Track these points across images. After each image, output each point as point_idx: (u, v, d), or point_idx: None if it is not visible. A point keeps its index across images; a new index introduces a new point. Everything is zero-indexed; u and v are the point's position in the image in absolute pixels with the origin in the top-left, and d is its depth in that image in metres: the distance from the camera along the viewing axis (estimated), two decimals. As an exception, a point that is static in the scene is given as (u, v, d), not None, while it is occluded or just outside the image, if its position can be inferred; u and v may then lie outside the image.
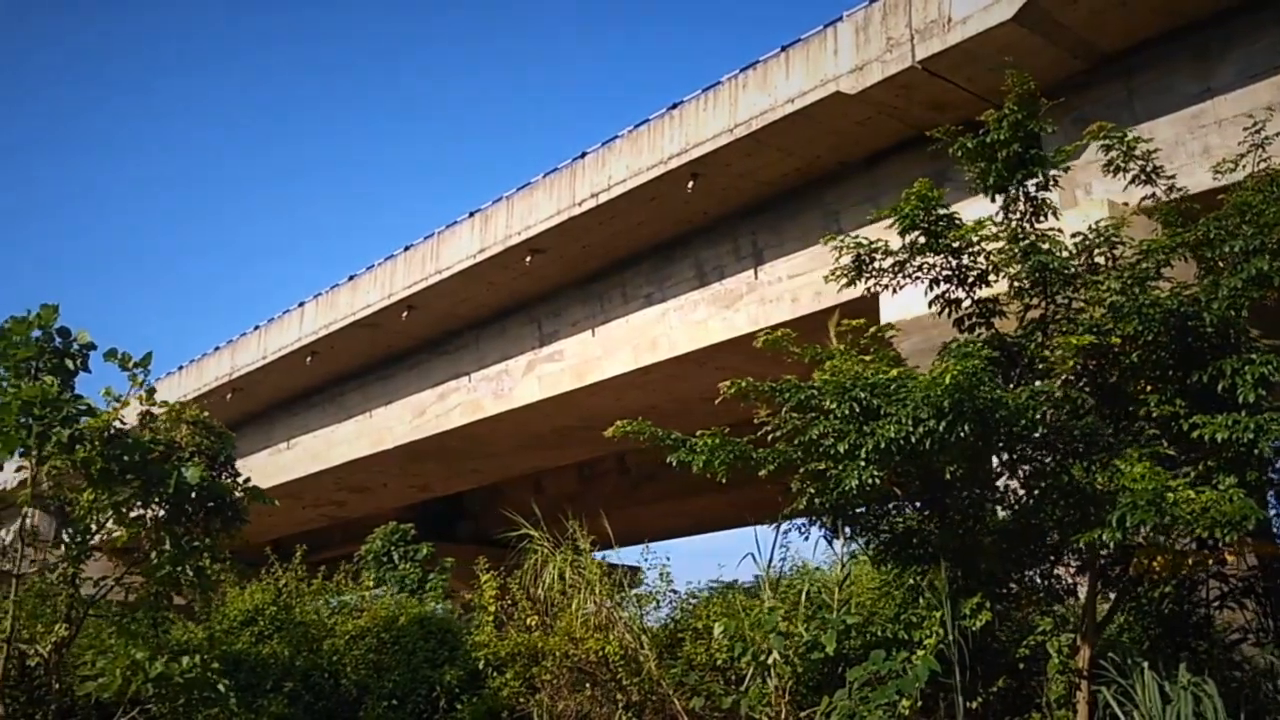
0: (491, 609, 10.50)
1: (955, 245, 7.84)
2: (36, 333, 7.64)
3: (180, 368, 32.44)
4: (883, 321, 16.53)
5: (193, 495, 7.79)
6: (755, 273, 19.82)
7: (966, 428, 6.79)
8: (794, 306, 19.02)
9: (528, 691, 9.81)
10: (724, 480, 8.36)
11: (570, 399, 23.99)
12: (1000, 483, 8.31)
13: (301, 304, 27.64)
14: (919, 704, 7.95)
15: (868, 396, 7.25)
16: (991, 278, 8.07)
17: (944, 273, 8.14)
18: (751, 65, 17.60)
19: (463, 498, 38.00)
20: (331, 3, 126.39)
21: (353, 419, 29.27)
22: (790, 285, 19.17)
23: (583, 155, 20.45)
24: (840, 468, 7.52)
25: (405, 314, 24.79)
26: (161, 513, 7.60)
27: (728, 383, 8.11)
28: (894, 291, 8.45)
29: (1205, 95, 14.46)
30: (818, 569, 9.99)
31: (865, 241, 8.30)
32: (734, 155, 18.06)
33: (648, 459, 34.93)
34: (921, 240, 7.92)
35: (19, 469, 8.66)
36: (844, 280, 8.52)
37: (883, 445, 7.07)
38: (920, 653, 7.98)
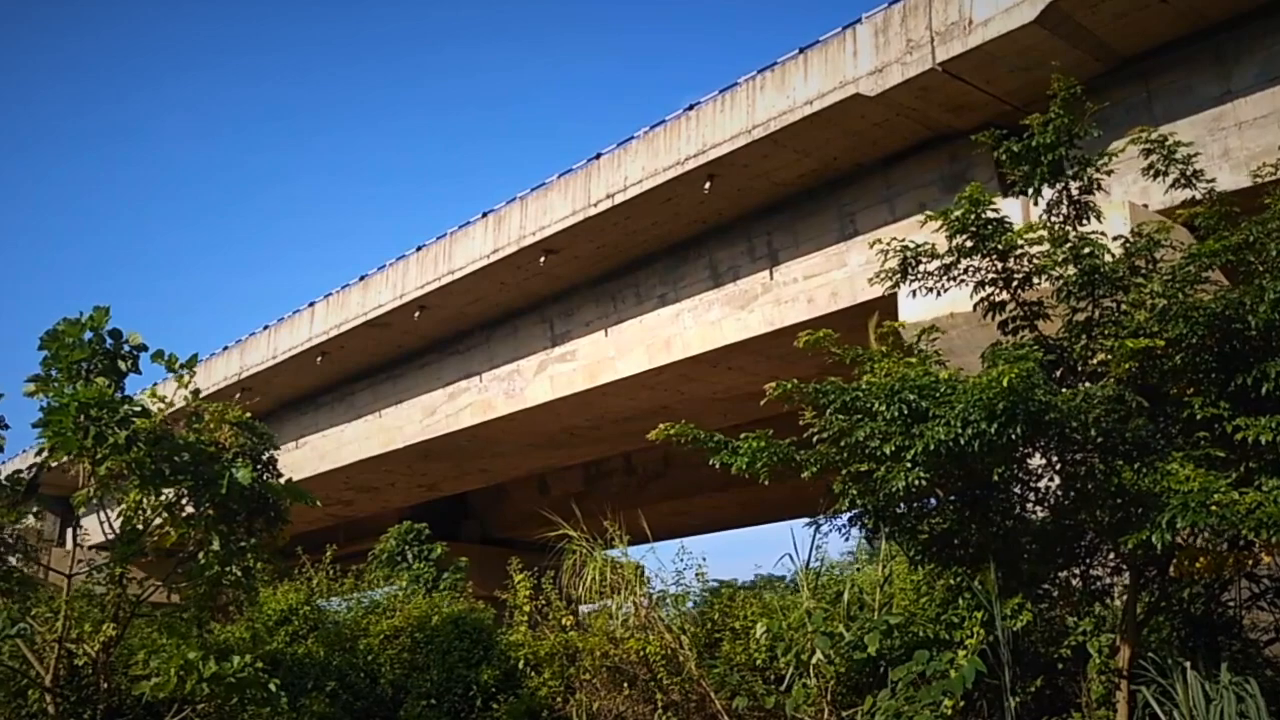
0: (527, 609, 10.55)
1: (1002, 248, 7.89)
2: (88, 335, 7.69)
3: (188, 367, 32.34)
4: (900, 320, 16.72)
5: (242, 496, 7.83)
6: (770, 273, 19.88)
7: (1019, 429, 6.85)
8: (810, 307, 19.09)
9: (564, 691, 9.86)
10: (766, 481, 8.40)
11: (582, 399, 24.04)
12: (1042, 484, 8.37)
13: (312, 304, 27.65)
14: (961, 703, 8.02)
15: (916, 399, 7.30)
16: (1035, 280, 8.12)
17: (989, 275, 8.19)
18: (769, 67, 17.65)
19: (467, 497, 38.03)
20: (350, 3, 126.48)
21: (362, 418, 29.30)
22: (806, 286, 19.24)
23: (598, 156, 20.49)
24: (886, 469, 7.57)
25: (417, 314, 24.81)
26: (211, 513, 7.64)
27: (773, 384, 8.15)
28: (938, 294, 8.49)
29: (1225, 98, 14.55)
30: (854, 568, 10.03)
31: (912, 244, 8.34)
32: (751, 156, 18.11)
33: (654, 458, 35.09)
34: (969, 244, 7.97)
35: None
36: (889, 282, 8.56)
37: (931, 447, 7.12)
38: (961, 653, 8.05)
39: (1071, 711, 8.51)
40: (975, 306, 8.43)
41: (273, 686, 7.61)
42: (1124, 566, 8.56)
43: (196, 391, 8.49)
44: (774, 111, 17.35)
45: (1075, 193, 8.20)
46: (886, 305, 17.93)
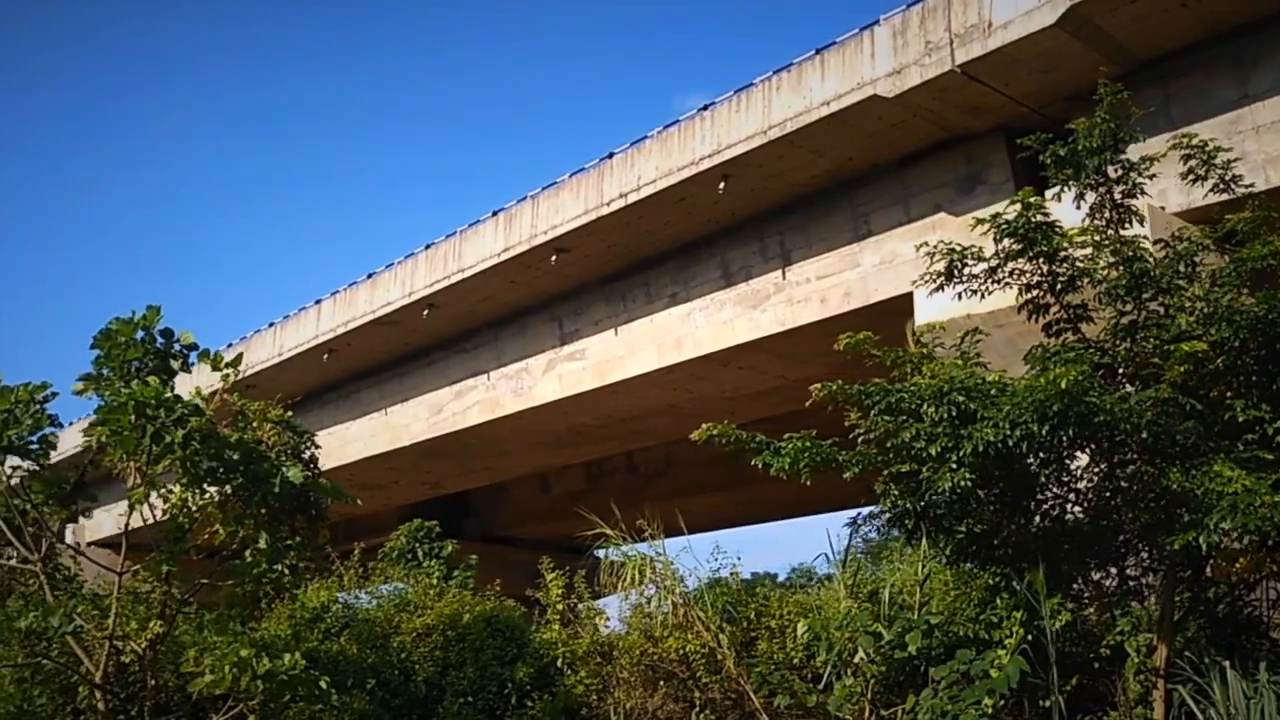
0: (560, 607, 10.61)
1: (1049, 251, 7.96)
2: (139, 334, 7.72)
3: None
4: (918, 322, 16.81)
5: (290, 494, 7.86)
6: (783, 273, 19.95)
7: (1070, 431, 6.93)
8: (823, 307, 19.17)
9: (599, 689, 9.92)
10: (808, 482, 8.46)
11: (591, 397, 24.10)
12: (1081, 484, 8.44)
13: (318, 301, 27.63)
14: (1001, 702, 8.10)
15: (965, 400, 7.37)
16: (1079, 283, 8.20)
17: (1034, 278, 8.27)
18: (785, 68, 17.72)
19: (469, 495, 38.02)
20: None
21: (368, 416, 29.29)
22: (819, 286, 19.31)
23: (610, 156, 20.54)
24: (932, 470, 7.64)
25: (426, 312, 24.82)
26: (264, 511, 7.66)
27: (818, 385, 8.21)
28: (982, 296, 8.55)
29: (1243, 101, 14.66)
30: (891, 568, 10.07)
31: (958, 248, 8.41)
32: (766, 157, 18.18)
33: (657, 457, 35.16)
34: (1017, 247, 8.05)
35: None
36: (933, 285, 8.62)
37: (980, 448, 7.19)
38: (1000, 652, 8.12)
39: (1108, 710, 8.58)
40: (1020, 309, 8.49)
41: (323, 684, 7.66)
42: (1158, 567, 8.65)
43: (242, 390, 8.52)
44: (790, 112, 17.42)
45: (1118, 196, 8.27)
46: (900, 305, 18.04)
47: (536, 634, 10.62)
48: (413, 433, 27.89)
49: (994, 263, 8.21)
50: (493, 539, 38.12)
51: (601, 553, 10.94)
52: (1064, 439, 7.03)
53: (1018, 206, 7.99)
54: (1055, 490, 8.47)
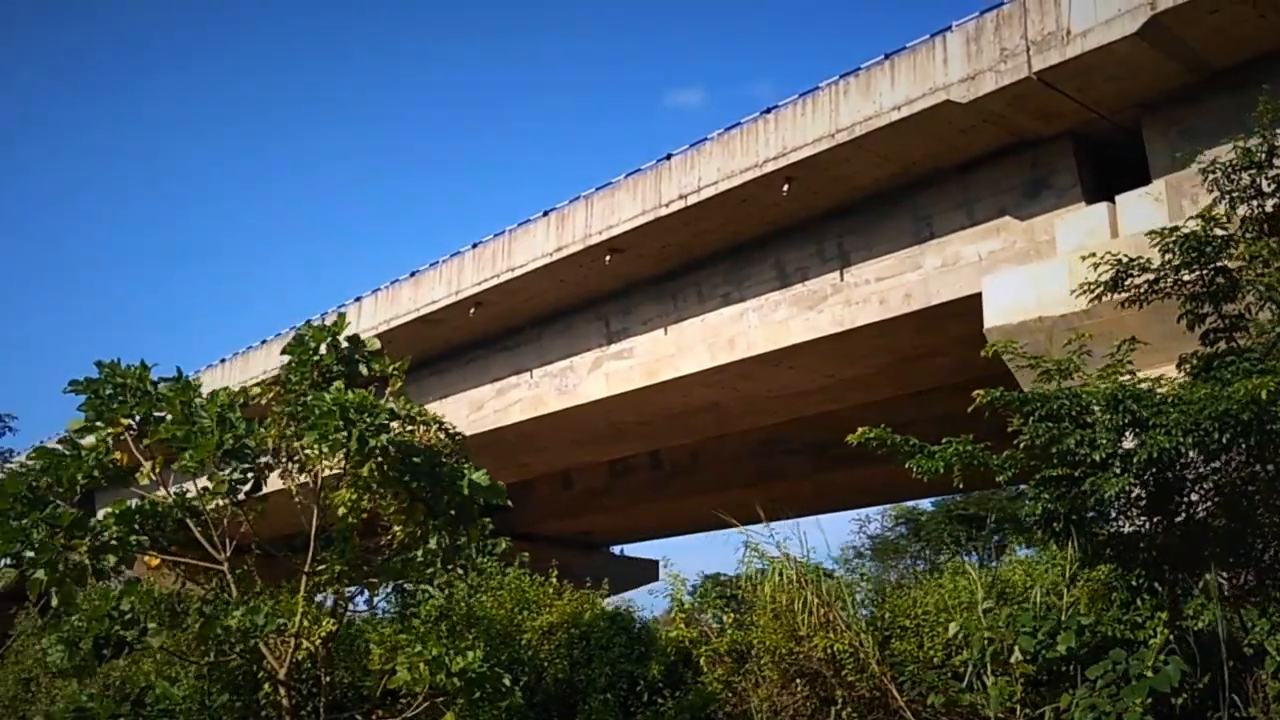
0: (686, 606, 10.81)
1: (1218, 264, 8.21)
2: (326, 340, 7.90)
3: (223, 360, 32.39)
4: (986, 325, 17.07)
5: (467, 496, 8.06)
6: (841, 274, 20.19)
7: (1252, 439, 7.17)
8: (882, 309, 19.41)
9: (731, 688, 10.13)
10: (960, 485, 8.71)
11: (638, 396, 24.29)
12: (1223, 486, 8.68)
13: (358, 299, 27.73)
14: (1149, 701, 8.35)
15: (1137, 407, 7.61)
16: (1239, 293, 8.43)
17: (1195, 288, 8.51)
18: (853, 72, 17.94)
19: (494, 492, 38.09)
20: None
21: (405, 413, 29.35)
22: (878, 287, 19.55)
23: (668, 157, 20.74)
24: (1097, 476, 7.88)
25: (473, 310, 24.97)
26: (453, 512, 7.84)
27: (980, 392, 8.43)
28: (1141, 306, 8.78)
29: (1318, 110, 14.93)
30: (1008, 568, 10.32)
31: (1124, 258, 8.64)
32: (831, 160, 18.42)
33: (683, 454, 35.38)
34: (1186, 258, 8.28)
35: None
36: (1095, 292, 8.85)
37: (1155, 454, 7.43)
38: (1146, 651, 8.37)
39: (1246, 709, 8.84)
40: (1180, 319, 8.69)
41: (506, 681, 7.86)
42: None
43: (405, 395, 8.70)
44: (859, 116, 17.64)
45: (1269, 208, 8.52)
46: (961, 307, 18.31)
47: (665, 632, 10.82)
48: (451, 430, 27.96)
49: (1161, 273, 8.43)
50: (515, 535, 38.25)
51: (741, 542, 11.07)
52: (1242, 446, 7.27)
53: (1195, 222, 8.22)
54: (1198, 493, 8.72)
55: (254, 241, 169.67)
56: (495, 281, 24.01)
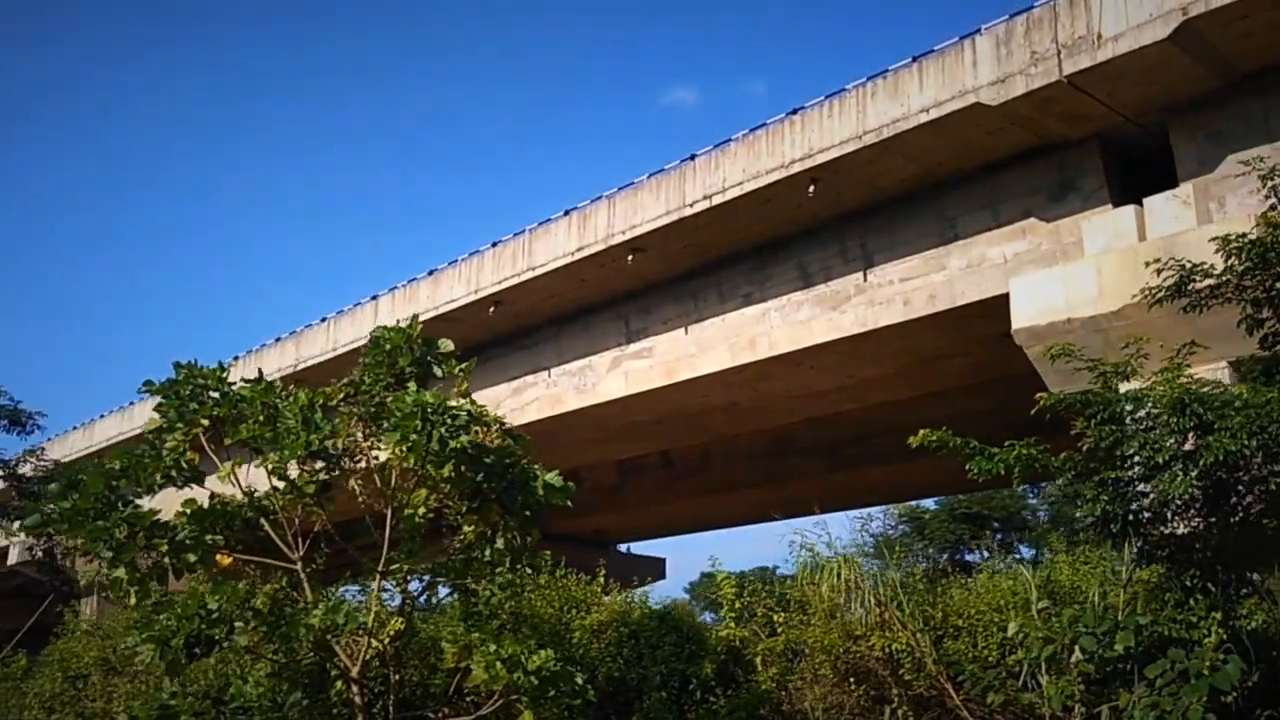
0: (738, 605, 10.91)
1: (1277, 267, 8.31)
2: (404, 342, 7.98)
3: (236, 358, 32.39)
4: (1014, 326, 17.18)
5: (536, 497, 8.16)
6: (864, 275, 20.29)
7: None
8: (906, 309, 19.52)
9: (783, 686, 10.23)
10: (1018, 487, 8.82)
11: (657, 395, 24.36)
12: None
13: (375, 297, 27.79)
14: (1205, 699, 8.47)
15: (1203, 410, 7.72)
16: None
17: (1257, 294, 8.61)
18: (880, 74, 18.04)
19: (503, 490, 38.15)
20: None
21: (419, 412, 29.41)
22: (902, 288, 19.66)
23: (692, 158, 20.82)
24: (1160, 478, 7.99)
25: (492, 309, 25.03)
26: (528, 514, 7.94)
27: (1044, 395, 8.53)
28: (1200, 312, 8.89)
29: (1346, 114, 15.08)
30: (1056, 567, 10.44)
31: (1188, 263, 8.75)
32: (857, 162, 18.52)
33: (694, 454, 35.48)
34: (1250, 264, 8.39)
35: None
36: (1157, 296, 8.95)
37: (1221, 458, 7.55)
38: (1201, 650, 8.49)
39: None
40: (1239, 323, 8.77)
41: (579, 680, 7.95)
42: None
43: (470, 395, 8.79)
44: (886, 119, 17.74)
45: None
46: (985, 308, 18.44)
47: (714, 631, 10.92)
48: (467, 429, 28.02)
49: (1224, 279, 8.54)
50: (524, 533, 38.35)
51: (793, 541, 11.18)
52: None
53: (1260, 229, 8.33)
54: (1254, 495, 8.84)
55: (254, 234, 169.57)
56: (515, 280, 24.06)
